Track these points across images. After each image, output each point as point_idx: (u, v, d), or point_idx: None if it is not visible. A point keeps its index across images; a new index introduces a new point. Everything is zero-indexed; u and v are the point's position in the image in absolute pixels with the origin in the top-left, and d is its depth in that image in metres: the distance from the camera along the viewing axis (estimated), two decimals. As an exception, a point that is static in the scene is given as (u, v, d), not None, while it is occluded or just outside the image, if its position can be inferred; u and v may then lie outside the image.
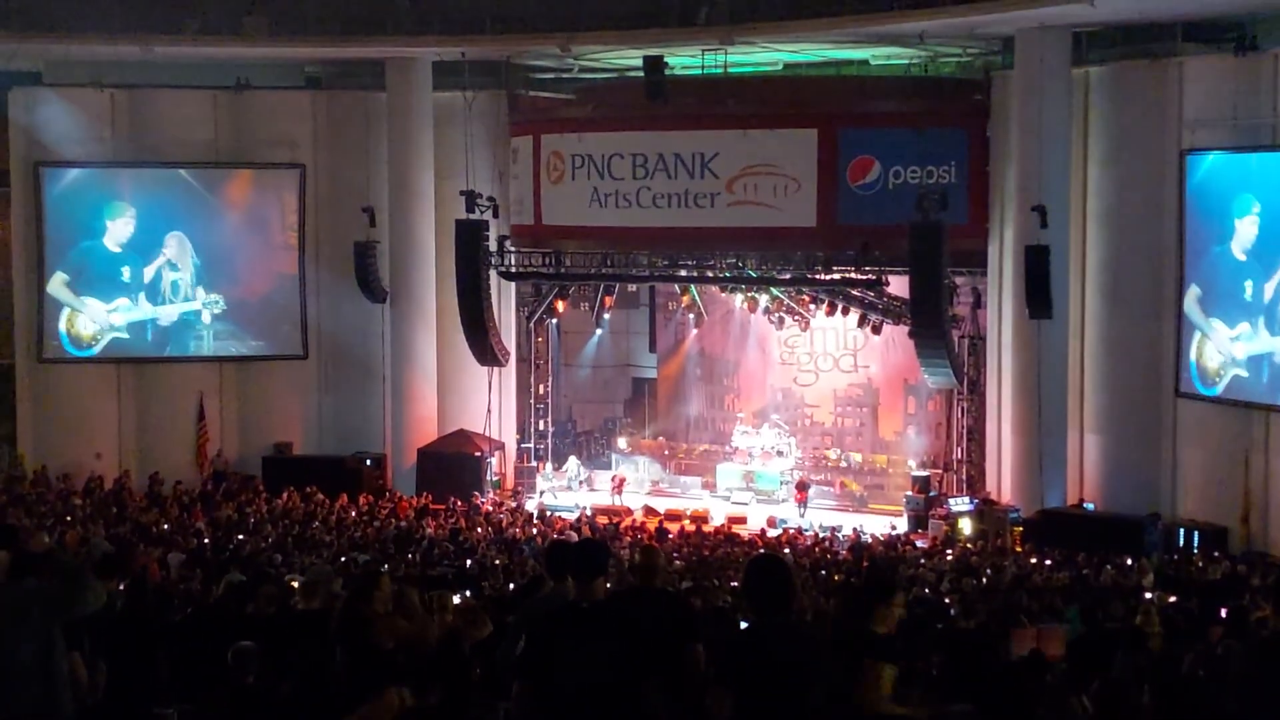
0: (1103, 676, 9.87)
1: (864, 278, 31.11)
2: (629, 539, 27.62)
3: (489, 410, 34.75)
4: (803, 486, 33.03)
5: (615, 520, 31.65)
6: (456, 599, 12.91)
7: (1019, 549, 27.67)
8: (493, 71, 35.18)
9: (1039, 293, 28.10)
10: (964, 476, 32.33)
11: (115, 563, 11.52)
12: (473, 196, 32.07)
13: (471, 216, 32.23)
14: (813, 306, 33.45)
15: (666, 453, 36.77)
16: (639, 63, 32.33)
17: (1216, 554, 25.89)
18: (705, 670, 7.56)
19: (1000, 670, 10.80)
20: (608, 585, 7.57)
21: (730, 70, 33.39)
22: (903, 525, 31.29)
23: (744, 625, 6.84)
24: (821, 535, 29.75)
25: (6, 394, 35.90)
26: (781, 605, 6.81)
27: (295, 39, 33.41)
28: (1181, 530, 27.67)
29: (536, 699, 6.67)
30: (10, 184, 35.28)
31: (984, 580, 21.82)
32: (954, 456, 32.80)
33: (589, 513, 32.38)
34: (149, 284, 35.46)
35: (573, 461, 35.97)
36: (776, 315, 34.57)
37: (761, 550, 24.89)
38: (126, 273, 35.37)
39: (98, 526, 25.67)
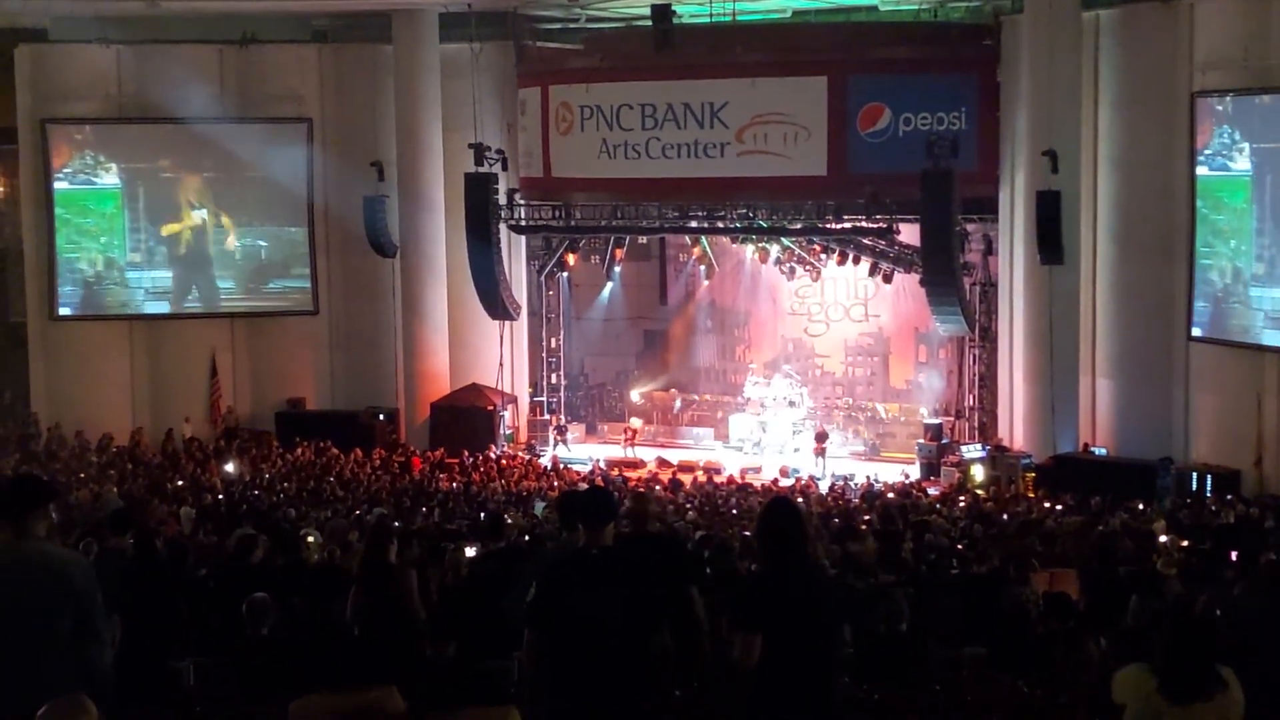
0: (1120, 621, 9.87)
1: (875, 226, 31.03)
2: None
3: (501, 364, 34.67)
4: (821, 437, 33.00)
5: (622, 472, 31.66)
6: (470, 551, 12.98)
7: (1031, 495, 27.68)
8: (499, 22, 34.95)
9: (1050, 238, 27.97)
10: (976, 423, 32.33)
11: (127, 518, 11.56)
12: (481, 149, 31.88)
13: (480, 170, 32.07)
14: (824, 256, 33.35)
15: (679, 404, 36.75)
16: (646, 11, 32.16)
17: (1229, 497, 25.86)
18: (702, 612, 7.61)
19: (1016, 613, 10.81)
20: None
21: (739, 18, 33.22)
22: (915, 473, 31.34)
23: (755, 569, 6.81)
24: (835, 483, 29.77)
25: (19, 352, 35.95)
26: (795, 549, 6.81)
27: (301, -9, 33.29)
28: (1194, 474, 27.64)
29: (546, 645, 6.67)
30: (18, 141, 35.20)
31: (996, 526, 21.80)
32: (966, 404, 32.79)
33: (603, 464, 32.45)
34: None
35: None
36: (787, 266, 34.46)
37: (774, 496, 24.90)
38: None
39: (110, 483, 25.76)
